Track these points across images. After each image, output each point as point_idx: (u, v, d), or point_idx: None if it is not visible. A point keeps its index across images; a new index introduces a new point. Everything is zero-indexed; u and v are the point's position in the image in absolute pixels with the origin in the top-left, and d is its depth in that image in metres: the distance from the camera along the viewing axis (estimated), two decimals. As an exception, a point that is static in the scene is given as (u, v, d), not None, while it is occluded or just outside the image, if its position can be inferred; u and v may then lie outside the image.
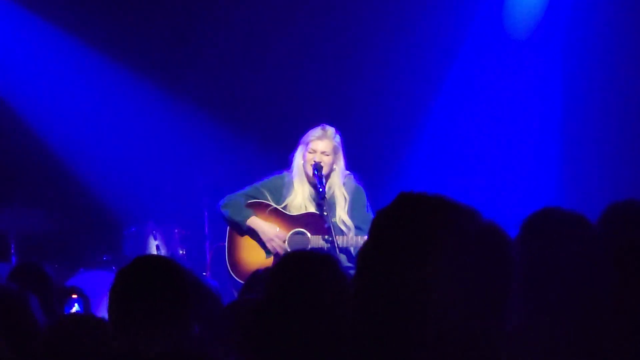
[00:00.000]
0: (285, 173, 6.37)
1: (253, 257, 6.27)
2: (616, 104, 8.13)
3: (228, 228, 6.37)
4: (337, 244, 5.94)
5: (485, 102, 8.55)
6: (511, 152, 8.49)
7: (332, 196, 6.25)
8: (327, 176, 6.22)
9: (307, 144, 6.23)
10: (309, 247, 6.13)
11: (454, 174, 8.48)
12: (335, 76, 8.70)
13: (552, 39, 8.35)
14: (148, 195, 8.66)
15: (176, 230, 8.05)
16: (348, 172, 6.35)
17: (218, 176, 8.08)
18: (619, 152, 8.10)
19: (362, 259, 2.00)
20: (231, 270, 6.31)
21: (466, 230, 1.94)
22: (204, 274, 7.67)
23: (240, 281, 6.10)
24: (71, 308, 5.00)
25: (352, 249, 6.12)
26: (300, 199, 6.28)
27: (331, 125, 6.30)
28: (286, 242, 6.24)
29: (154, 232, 7.90)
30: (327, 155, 6.20)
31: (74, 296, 5.04)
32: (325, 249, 6.02)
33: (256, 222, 6.26)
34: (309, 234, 6.23)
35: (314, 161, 6.16)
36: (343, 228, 6.21)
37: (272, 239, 6.22)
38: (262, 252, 6.29)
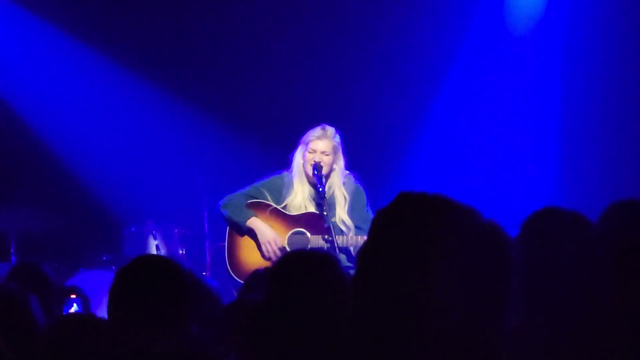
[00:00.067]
0: (285, 173, 6.37)
1: (253, 256, 6.26)
2: (616, 103, 8.13)
3: (228, 228, 6.37)
4: (337, 244, 5.94)
5: (485, 101, 8.55)
6: (511, 151, 8.48)
7: (332, 196, 6.25)
8: (327, 176, 6.22)
9: (307, 143, 6.23)
10: (309, 246, 6.13)
11: (453, 174, 8.47)
12: (335, 76, 8.70)
13: (553, 37, 8.35)
14: (148, 195, 8.66)
15: (176, 230, 8.05)
16: (348, 171, 6.35)
17: (218, 176, 8.08)
18: (619, 151, 8.10)
19: (362, 258, 2.00)
20: (231, 270, 6.30)
21: (466, 230, 1.94)
22: (204, 273, 7.66)
23: (240, 281, 6.09)
24: (70, 308, 4.99)
25: (351, 249, 6.12)
26: (300, 199, 6.28)
27: (331, 125, 6.30)
28: (285, 242, 6.24)
29: (153, 232, 7.90)
30: (327, 155, 6.20)
31: (73, 296, 5.04)
32: (325, 248, 6.02)
33: (256, 223, 6.25)
34: (308, 234, 6.23)
35: (314, 161, 6.16)
36: (343, 228, 6.21)
37: (268, 242, 6.20)
38: (262, 252, 6.30)
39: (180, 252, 8.00)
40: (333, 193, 6.26)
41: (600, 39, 8.09)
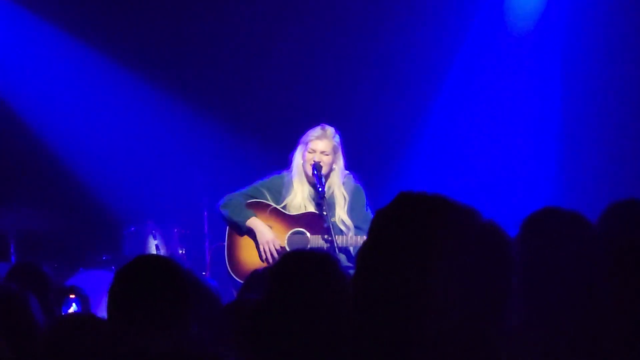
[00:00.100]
0: (284, 173, 6.37)
1: (252, 256, 6.26)
2: (616, 102, 8.13)
3: (227, 228, 6.37)
4: (337, 244, 5.94)
5: (484, 101, 8.54)
6: (511, 151, 8.48)
7: (332, 196, 6.25)
8: (327, 176, 6.22)
9: (306, 143, 6.23)
10: (309, 246, 6.13)
11: (453, 174, 8.47)
12: (334, 75, 8.70)
13: (552, 36, 8.35)
14: (148, 195, 8.66)
15: (176, 230, 8.05)
16: (347, 171, 6.35)
17: (218, 176, 8.07)
18: (619, 151, 8.09)
19: (362, 258, 2.00)
20: (230, 269, 6.30)
21: (466, 230, 1.94)
22: (204, 273, 7.66)
23: (239, 281, 6.09)
24: (69, 308, 4.99)
25: (351, 249, 6.12)
26: (299, 199, 6.27)
27: (331, 124, 6.30)
28: (285, 242, 6.24)
29: (153, 231, 7.90)
30: (327, 154, 6.19)
31: (72, 296, 5.04)
32: (325, 248, 6.02)
33: (255, 223, 6.25)
34: (308, 234, 6.23)
35: (314, 161, 6.16)
36: (342, 228, 6.21)
37: (267, 242, 6.19)
38: (262, 252, 6.30)
39: (180, 252, 8.00)
40: (333, 193, 6.26)
41: (600, 38, 8.09)
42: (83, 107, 8.84)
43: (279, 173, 6.39)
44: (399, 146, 8.69)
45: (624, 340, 2.47)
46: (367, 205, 6.30)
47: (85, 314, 4.27)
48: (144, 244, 7.90)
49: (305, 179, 6.27)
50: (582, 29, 8.17)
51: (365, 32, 8.66)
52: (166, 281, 2.95)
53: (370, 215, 6.10)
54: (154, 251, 7.76)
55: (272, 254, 6.14)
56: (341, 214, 6.23)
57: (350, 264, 5.80)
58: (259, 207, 6.30)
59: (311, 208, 6.26)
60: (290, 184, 6.31)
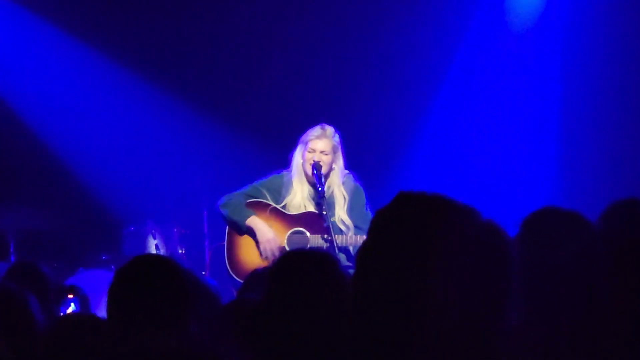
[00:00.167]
0: (284, 172, 6.37)
1: (252, 256, 6.26)
2: (616, 101, 8.12)
3: (227, 227, 6.37)
4: (336, 243, 5.94)
5: (484, 100, 8.54)
6: (510, 150, 8.48)
7: (332, 195, 6.25)
8: (327, 175, 6.22)
9: (306, 143, 6.23)
10: (308, 246, 6.13)
11: (453, 173, 8.47)
12: (334, 75, 8.70)
13: (552, 35, 8.34)
14: (147, 194, 8.66)
15: (175, 230, 8.05)
16: (347, 171, 6.35)
17: (217, 175, 8.08)
18: (619, 150, 8.09)
19: (361, 258, 2.00)
20: (230, 269, 6.30)
21: (465, 230, 1.94)
22: (203, 273, 7.66)
23: (239, 280, 6.09)
24: (67, 308, 4.99)
25: (351, 248, 6.12)
26: (299, 198, 6.27)
27: (330, 124, 6.30)
28: (285, 242, 6.24)
29: (153, 231, 7.90)
30: (326, 154, 6.20)
31: (70, 296, 5.03)
32: (325, 248, 6.02)
33: (255, 222, 6.25)
34: (308, 233, 6.23)
35: (313, 160, 6.16)
36: (342, 227, 6.21)
37: (267, 241, 6.19)
38: (261, 252, 6.30)
39: (180, 251, 8.00)
40: (332, 192, 6.26)
41: (600, 37, 8.08)
42: (83, 106, 8.84)
43: (279, 173, 6.39)
44: (399, 146, 8.69)
45: (624, 340, 2.47)
46: (366, 204, 6.30)
47: (85, 314, 4.27)
48: (144, 243, 7.90)
49: (304, 179, 6.27)
50: (582, 27, 8.17)
51: (364, 31, 8.66)
52: (166, 281, 2.94)
53: (369, 215, 6.10)
54: (153, 251, 7.76)
55: (272, 253, 6.14)
56: (341, 214, 6.23)
57: (349, 264, 5.80)
58: (259, 207, 6.30)
59: (311, 208, 6.26)
60: (289, 183, 6.31)
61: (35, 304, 3.59)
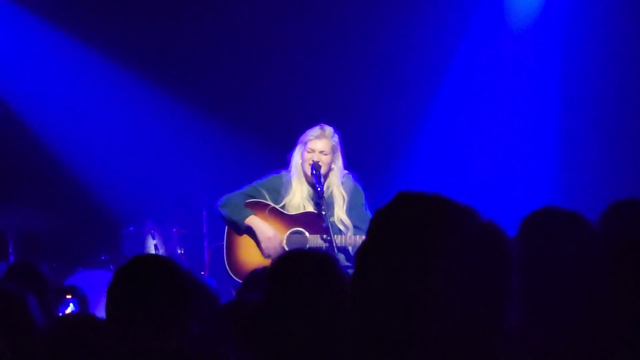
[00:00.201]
0: (283, 172, 6.37)
1: (251, 256, 6.26)
2: (616, 101, 8.12)
3: (226, 227, 6.36)
4: (336, 243, 5.94)
5: (484, 100, 8.54)
6: (510, 150, 8.48)
7: (331, 195, 6.25)
8: (326, 175, 6.22)
9: (305, 143, 6.23)
10: (308, 246, 6.13)
11: (453, 173, 8.47)
12: (333, 75, 8.70)
13: (551, 34, 8.34)
14: (146, 194, 8.65)
15: (175, 230, 8.05)
16: (346, 171, 6.35)
17: (216, 176, 8.07)
18: (619, 150, 8.08)
19: (361, 258, 1.99)
20: (229, 269, 6.30)
21: (465, 230, 1.94)
22: (202, 273, 7.66)
23: (238, 280, 6.09)
24: (66, 308, 4.99)
25: (350, 248, 6.12)
26: (298, 198, 6.27)
27: (330, 124, 6.30)
28: (284, 242, 6.24)
29: (152, 231, 7.90)
30: (326, 154, 6.19)
31: (69, 296, 5.03)
32: (324, 248, 6.02)
33: (255, 221, 6.25)
34: (307, 233, 6.23)
35: (313, 160, 6.15)
36: (341, 227, 6.20)
37: (268, 239, 6.20)
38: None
39: (179, 251, 8.00)
40: (331, 192, 6.26)
41: (599, 36, 8.08)
42: (82, 106, 8.84)
43: (278, 173, 6.39)
44: (398, 145, 8.69)
45: (623, 340, 2.47)
46: (365, 204, 6.29)
47: (84, 314, 4.27)
48: (143, 243, 7.90)
49: (304, 179, 6.27)
50: (582, 27, 8.17)
51: (363, 31, 8.65)
52: (165, 281, 2.94)
53: (369, 215, 6.10)
54: (152, 251, 7.76)
55: (275, 250, 6.15)
56: (340, 214, 6.23)
57: (349, 264, 5.80)
58: (258, 207, 6.30)
59: (310, 208, 6.25)
60: (289, 183, 6.31)
61: (34, 304, 3.59)
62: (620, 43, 8.05)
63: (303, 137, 6.27)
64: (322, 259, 2.82)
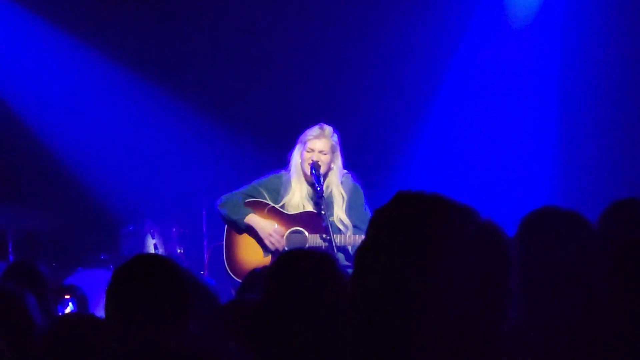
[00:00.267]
0: (282, 172, 6.37)
1: (251, 255, 6.26)
2: (616, 100, 8.11)
3: (226, 227, 6.36)
4: (335, 243, 5.94)
5: (483, 100, 8.53)
6: (509, 150, 8.48)
7: (330, 195, 6.24)
8: (325, 175, 6.22)
9: (304, 143, 6.23)
10: (307, 245, 6.13)
11: (452, 173, 8.47)
12: (332, 75, 8.70)
13: (551, 32, 8.34)
14: (146, 194, 8.66)
15: (174, 229, 8.05)
16: (346, 170, 6.35)
17: (216, 175, 8.07)
18: (619, 150, 8.08)
19: (360, 257, 1.99)
20: (229, 269, 6.30)
21: (464, 230, 1.94)
22: (202, 272, 7.66)
23: (238, 280, 6.09)
24: (65, 307, 4.98)
25: (349, 248, 6.11)
26: (298, 198, 6.27)
27: (329, 124, 6.30)
28: (284, 239, 6.24)
29: (151, 230, 7.89)
30: (325, 154, 6.19)
31: (68, 296, 5.02)
32: (323, 247, 6.02)
33: (254, 219, 6.25)
34: (306, 233, 6.23)
35: (312, 160, 6.15)
36: (341, 227, 6.20)
37: (270, 235, 6.21)
38: (260, 251, 6.29)
39: (179, 251, 8.00)
40: (331, 192, 6.26)
41: (598, 35, 8.08)
42: (82, 106, 8.84)
43: (277, 172, 6.39)
44: (398, 145, 8.69)
45: (623, 340, 2.47)
46: (365, 204, 6.29)
47: (84, 314, 4.26)
48: (142, 243, 7.90)
49: (303, 178, 6.27)
50: (581, 25, 8.16)
51: (362, 30, 8.65)
52: (164, 280, 2.94)
53: (368, 215, 6.10)
54: (152, 250, 7.76)
55: (279, 243, 6.15)
56: (339, 213, 6.23)
57: (348, 263, 5.80)
58: (257, 206, 6.30)
59: (309, 207, 6.25)
60: (288, 183, 6.31)
61: (33, 304, 3.59)
62: (620, 42, 8.04)
63: (302, 137, 6.27)
64: (322, 258, 2.82)
